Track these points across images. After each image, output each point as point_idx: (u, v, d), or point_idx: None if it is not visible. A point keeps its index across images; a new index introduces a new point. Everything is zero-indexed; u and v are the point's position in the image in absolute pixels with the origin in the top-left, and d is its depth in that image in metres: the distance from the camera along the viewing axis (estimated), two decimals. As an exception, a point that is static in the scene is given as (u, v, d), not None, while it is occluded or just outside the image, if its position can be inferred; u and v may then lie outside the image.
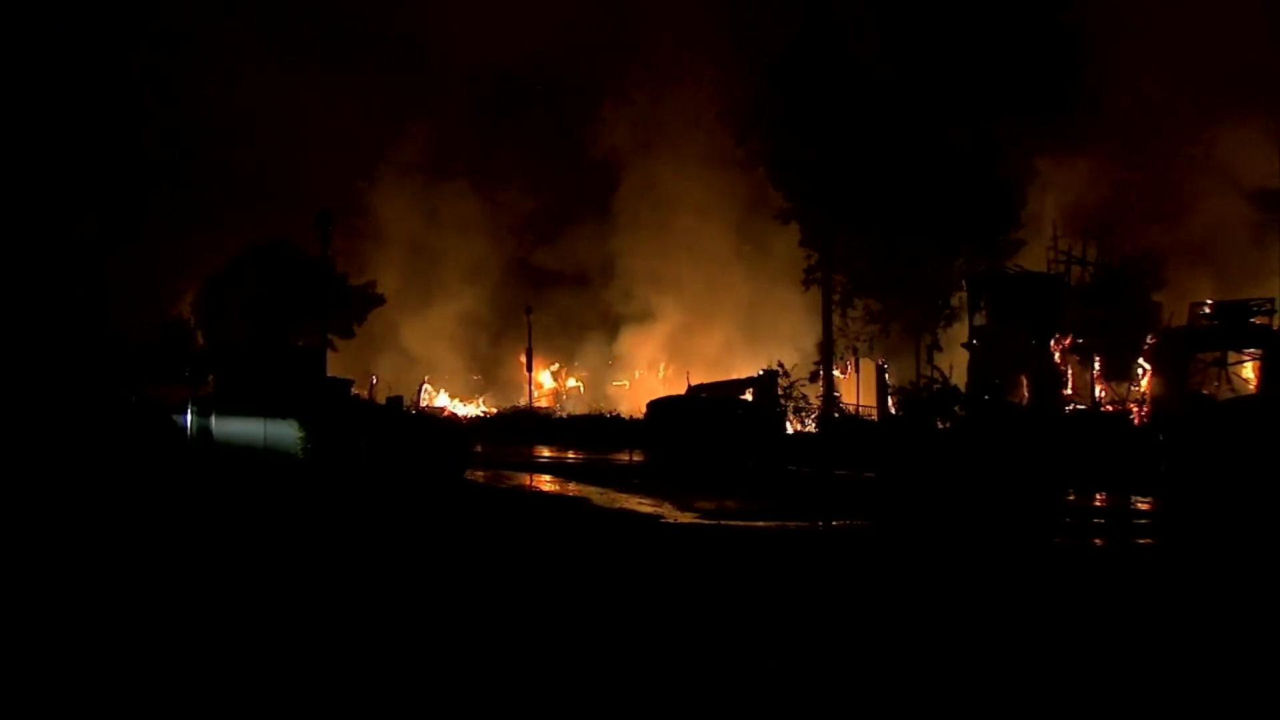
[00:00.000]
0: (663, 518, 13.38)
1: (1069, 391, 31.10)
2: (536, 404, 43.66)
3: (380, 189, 49.04)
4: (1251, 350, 29.08)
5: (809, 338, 37.87)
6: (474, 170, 50.74)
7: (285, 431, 16.95)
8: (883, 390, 34.98)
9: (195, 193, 41.63)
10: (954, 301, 34.48)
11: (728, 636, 6.79)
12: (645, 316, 47.38)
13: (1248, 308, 29.42)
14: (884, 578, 9.20)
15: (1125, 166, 35.01)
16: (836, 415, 33.02)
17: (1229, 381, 29.10)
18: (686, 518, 13.41)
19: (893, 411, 33.16)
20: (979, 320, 32.42)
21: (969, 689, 5.83)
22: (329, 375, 22.99)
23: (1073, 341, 31.29)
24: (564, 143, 49.52)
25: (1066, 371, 31.44)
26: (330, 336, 38.99)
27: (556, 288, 50.11)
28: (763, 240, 41.22)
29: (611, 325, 48.87)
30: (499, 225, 50.92)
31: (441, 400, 48.02)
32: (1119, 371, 31.42)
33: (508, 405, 44.02)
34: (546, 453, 29.24)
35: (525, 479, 19.78)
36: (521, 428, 37.22)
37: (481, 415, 44.37)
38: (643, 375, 47.87)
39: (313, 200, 36.55)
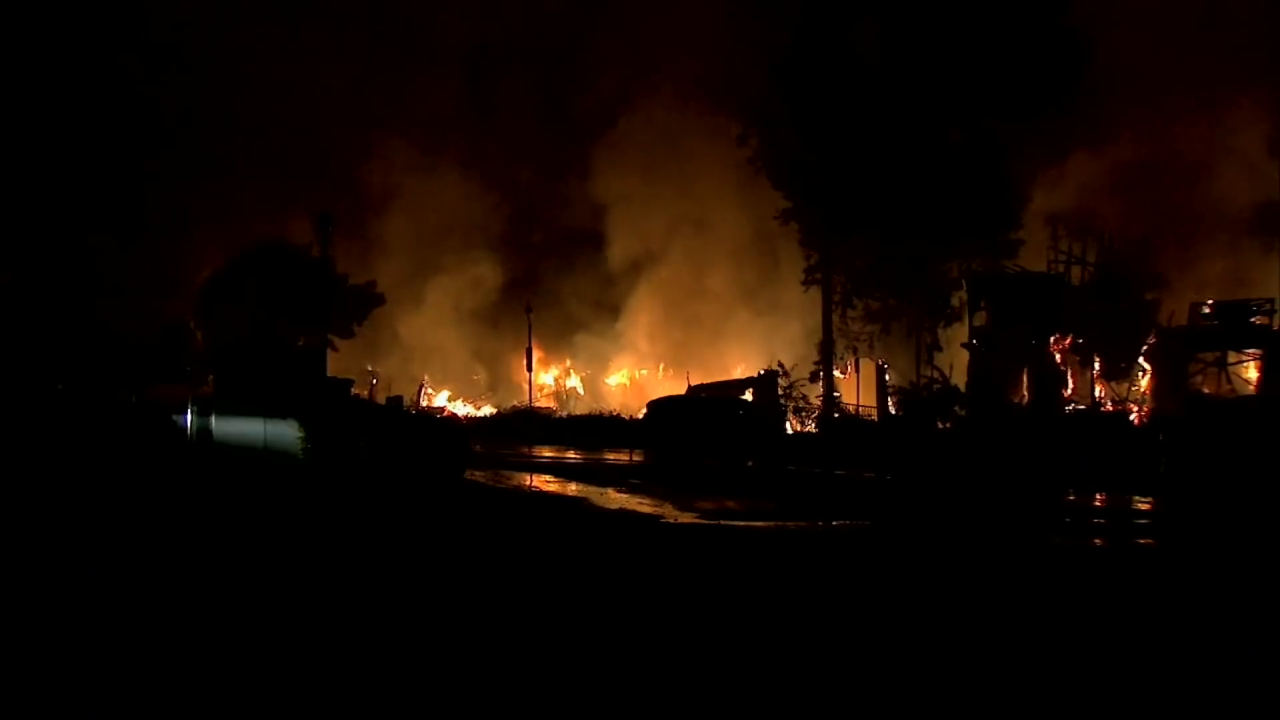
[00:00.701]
0: (663, 518, 13.38)
1: (1069, 391, 31.08)
2: (537, 404, 43.64)
3: (378, 187, 48.94)
4: (1251, 350, 29.07)
5: (809, 338, 37.85)
6: (474, 168, 50.66)
7: (285, 431, 16.94)
8: (883, 390, 34.95)
9: (195, 192, 41.59)
10: (954, 301, 34.44)
11: (727, 636, 6.79)
12: (648, 316, 47.34)
13: (1248, 308, 29.41)
14: (884, 578, 9.20)
15: (1125, 166, 34.98)
16: (836, 415, 33.02)
17: (1229, 381, 29.09)
18: (686, 518, 13.42)
19: (893, 411, 33.15)
20: (979, 320, 32.40)
21: (968, 688, 5.82)
22: (329, 375, 23.00)
23: (1073, 341, 31.28)
24: (566, 139, 49.57)
25: (1066, 371, 31.42)
26: (330, 336, 38.96)
27: (557, 286, 50.04)
28: (764, 239, 41.19)
29: (614, 325, 48.80)
30: (499, 223, 50.88)
31: (441, 400, 48.00)
32: (1119, 371, 31.42)
33: (508, 405, 43.99)
34: (547, 452, 29.23)
35: (525, 479, 19.77)
36: (522, 427, 37.20)
37: (482, 415, 44.35)
38: (643, 375, 47.87)
39: (312, 200, 36.55)
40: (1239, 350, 29.34)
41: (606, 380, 49.44)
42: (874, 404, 34.89)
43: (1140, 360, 30.84)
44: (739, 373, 39.58)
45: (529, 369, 43.00)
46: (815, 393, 34.74)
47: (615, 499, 15.72)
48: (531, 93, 49.49)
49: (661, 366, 46.76)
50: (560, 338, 50.56)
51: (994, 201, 32.63)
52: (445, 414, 43.80)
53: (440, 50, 48.65)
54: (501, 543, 11.08)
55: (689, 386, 36.36)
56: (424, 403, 45.87)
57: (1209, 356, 29.58)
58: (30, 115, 33.24)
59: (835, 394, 35.60)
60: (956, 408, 28.81)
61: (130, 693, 5.48)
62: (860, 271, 35.89)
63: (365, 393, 39.47)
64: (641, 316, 47.47)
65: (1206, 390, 28.58)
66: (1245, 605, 8.27)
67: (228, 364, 19.81)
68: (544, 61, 49.58)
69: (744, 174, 38.86)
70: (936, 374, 32.28)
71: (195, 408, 18.56)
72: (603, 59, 47.32)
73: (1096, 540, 13.12)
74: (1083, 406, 30.06)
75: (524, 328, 43.69)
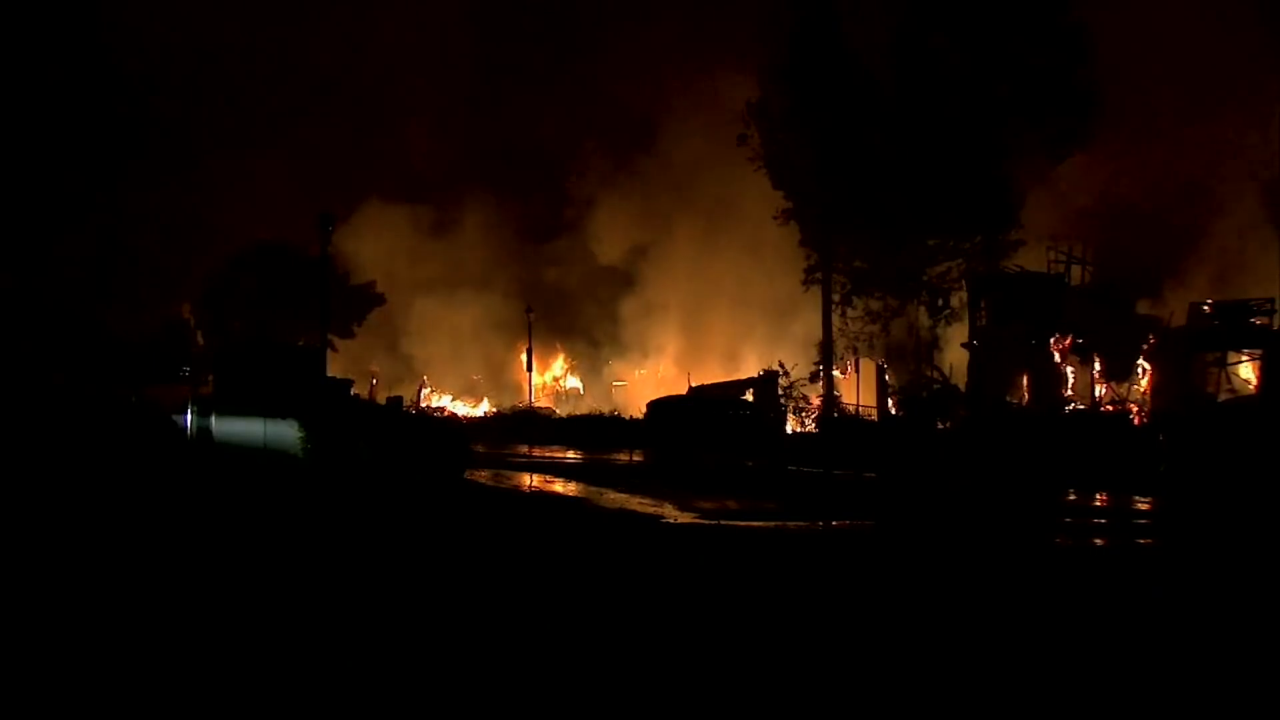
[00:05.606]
0: (663, 518, 13.38)
1: (1069, 391, 31.07)
2: (537, 404, 43.64)
3: (381, 186, 49.02)
4: (1251, 350, 29.05)
5: (809, 338, 37.85)
6: (477, 167, 50.72)
7: (285, 431, 16.95)
8: (883, 390, 34.95)
9: (195, 193, 41.65)
10: (954, 301, 34.42)
11: (727, 636, 6.79)
12: (647, 316, 47.35)
13: (1248, 308, 29.38)
14: (884, 578, 9.20)
15: (1127, 166, 34.98)
16: (836, 415, 33.01)
17: (1229, 381, 29.07)
18: (687, 518, 13.41)
19: (893, 411, 33.14)
20: (979, 320, 32.38)
21: (968, 688, 5.82)
22: (329, 375, 22.98)
23: (1073, 341, 31.24)
24: (569, 136, 49.71)
25: (1066, 371, 31.41)
26: (330, 336, 38.97)
27: (558, 286, 50.09)
28: (764, 239, 41.17)
29: (613, 325, 48.81)
30: (500, 223, 50.93)
31: (441, 400, 48.00)
32: (1119, 371, 31.37)
33: (508, 405, 43.98)
34: (547, 453, 29.23)
35: (525, 479, 19.77)
36: (522, 428, 37.19)
37: (482, 415, 44.35)
38: (643, 375, 47.85)
39: (313, 200, 36.54)
40: (1239, 350, 29.32)
41: (606, 380, 49.46)
42: (874, 404, 34.88)
43: (1140, 360, 30.82)
44: (740, 373, 39.57)
45: (529, 369, 43.00)
46: (815, 393, 34.72)
47: (615, 499, 15.72)
48: (535, 91, 49.64)
49: (662, 366, 46.77)
50: (560, 338, 50.60)
51: (993, 202, 32.60)
52: (445, 414, 43.82)
53: (442, 48, 48.80)
54: (501, 543, 11.07)
55: (689, 386, 36.35)
56: (424, 403, 45.88)
57: (1209, 356, 29.54)
58: (30, 115, 33.22)
59: (835, 394, 35.58)
60: (956, 408, 28.80)
61: (130, 692, 5.48)
62: (860, 271, 35.86)
63: (365, 393, 39.48)
64: (642, 317, 47.49)
65: (1207, 390, 28.56)
66: (1245, 605, 8.26)
67: (228, 364, 19.80)
68: (545, 61, 49.73)
69: (744, 174, 38.78)
70: (936, 374, 32.26)
71: (195, 408, 18.56)
72: (603, 59, 47.43)
73: (1097, 540, 13.11)
74: (1083, 406, 30.04)
75: (524, 328, 43.69)
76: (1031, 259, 33.79)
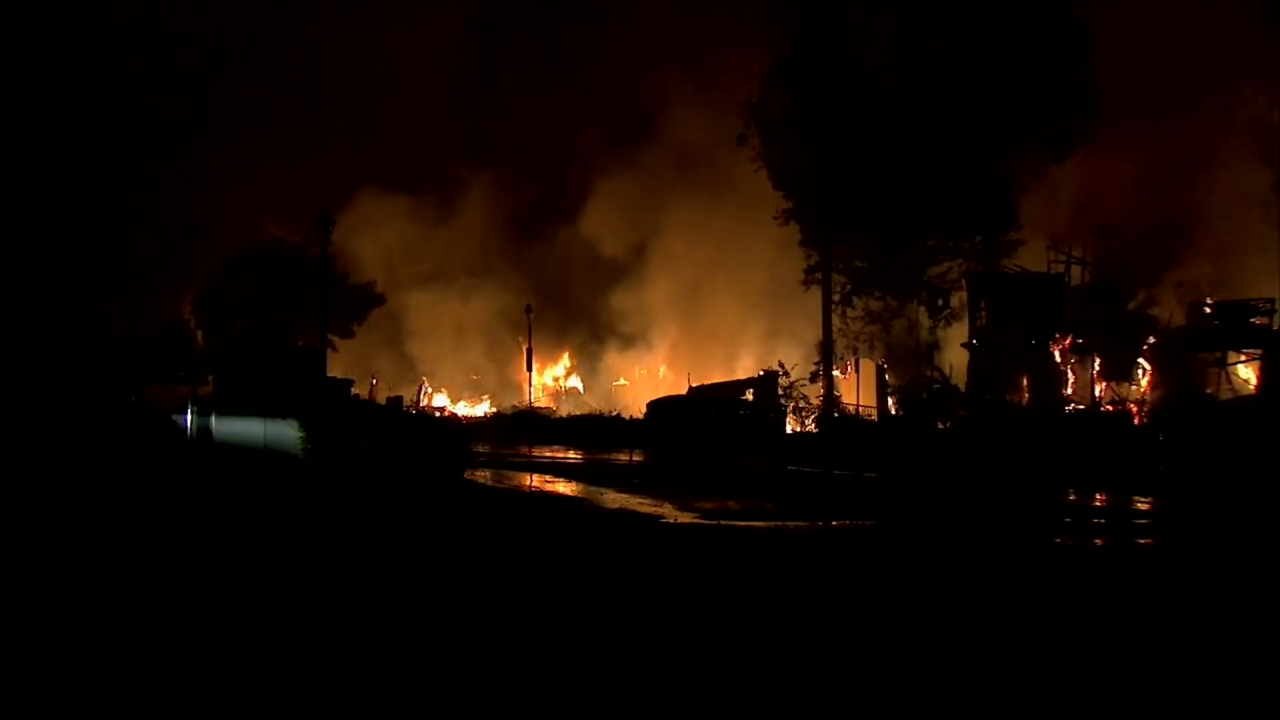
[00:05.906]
0: (663, 518, 13.38)
1: (1069, 391, 31.07)
2: (537, 404, 43.64)
3: (380, 184, 48.97)
4: (1251, 350, 29.06)
5: (809, 338, 37.85)
6: (477, 166, 50.71)
7: (285, 431, 16.97)
8: (883, 390, 34.94)
9: (196, 193, 41.62)
10: (954, 301, 34.43)
11: (727, 636, 6.79)
12: (648, 312, 47.36)
13: (1248, 308, 29.39)
14: (884, 579, 9.20)
15: (1126, 166, 34.96)
16: (836, 415, 33.00)
17: (1229, 381, 29.07)
18: (686, 518, 13.42)
19: (893, 411, 33.14)
20: (979, 320, 32.39)
21: (968, 687, 5.82)
22: (329, 375, 23.00)
23: (1073, 341, 31.26)
24: (569, 128, 49.79)
25: (1066, 371, 31.41)
26: (330, 336, 38.99)
27: (558, 286, 50.07)
28: (765, 240, 41.18)
29: (614, 321, 48.80)
30: (500, 216, 50.97)
31: (441, 400, 48.01)
32: (1119, 371, 31.39)
33: (508, 405, 43.99)
34: (547, 453, 29.24)
35: (525, 479, 19.78)
36: (522, 428, 37.20)
37: (482, 415, 44.36)
38: (643, 375, 47.86)
39: (313, 197, 36.55)
40: (1239, 350, 29.33)
41: (607, 380, 49.46)
42: (874, 404, 34.86)
43: (1140, 360, 30.83)
44: (739, 373, 39.56)
45: (529, 369, 42.99)
46: (815, 393, 34.70)
47: (615, 499, 15.73)
48: (534, 89, 49.64)
49: (662, 366, 46.76)
50: (563, 337, 50.59)
51: (993, 202, 32.61)
52: (445, 414, 43.82)
53: (442, 40, 48.82)
54: (501, 543, 11.08)
55: (689, 386, 36.34)
56: (424, 403, 45.89)
57: (1209, 356, 29.55)
58: (31, 115, 33.22)
59: (835, 394, 35.59)
60: (957, 408, 28.82)
61: (129, 691, 5.48)
62: (860, 271, 35.87)
63: (365, 393, 39.48)
64: (643, 313, 47.49)
65: (1207, 390, 28.57)
66: (1245, 605, 8.26)
67: (228, 364, 19.79)
68: (545, 58, 49.78)
69: (747, 170, 38.79)
70: (936, 374, 32.27)
71: (195, 408, 18.57)
72: (604, 59, 47.44)
73: (1097, 540, 13.12)
74: (1082, 406, 30.05)
75: (524, 327, 43.70)
76: (1031, 259, 33.80)
